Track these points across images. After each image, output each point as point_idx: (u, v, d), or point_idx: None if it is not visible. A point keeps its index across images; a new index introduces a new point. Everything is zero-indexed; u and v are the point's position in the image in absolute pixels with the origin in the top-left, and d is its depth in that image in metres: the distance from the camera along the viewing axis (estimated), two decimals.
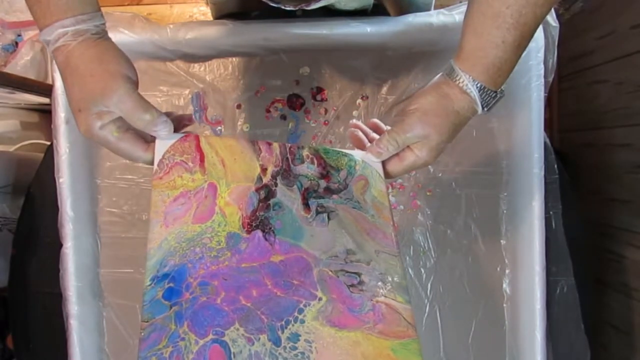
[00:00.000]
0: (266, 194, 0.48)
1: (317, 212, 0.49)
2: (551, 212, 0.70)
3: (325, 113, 0.72)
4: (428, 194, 0.71)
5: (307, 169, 0.50)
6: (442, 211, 0.71)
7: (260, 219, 0.47)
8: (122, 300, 0.71)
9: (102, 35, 0.44)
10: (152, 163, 0.46)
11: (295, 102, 0.71)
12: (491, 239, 0.71)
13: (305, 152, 0.51)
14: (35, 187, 0.76)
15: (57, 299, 0.69)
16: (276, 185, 0.49)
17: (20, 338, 0.76)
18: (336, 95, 0.71)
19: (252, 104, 0.71)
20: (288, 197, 0.49)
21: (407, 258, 0.71)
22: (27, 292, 0.75)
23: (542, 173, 0.68)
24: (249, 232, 0.47)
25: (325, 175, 0.51)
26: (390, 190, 0.71)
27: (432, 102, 0.48)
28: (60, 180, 0.68)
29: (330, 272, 0.46)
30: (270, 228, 0.47)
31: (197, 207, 0.46)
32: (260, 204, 0.48)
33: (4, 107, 1.19)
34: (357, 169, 0.51)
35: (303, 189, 0.50)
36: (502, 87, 0.48)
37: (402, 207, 0.71)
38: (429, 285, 0.71)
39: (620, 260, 0.85)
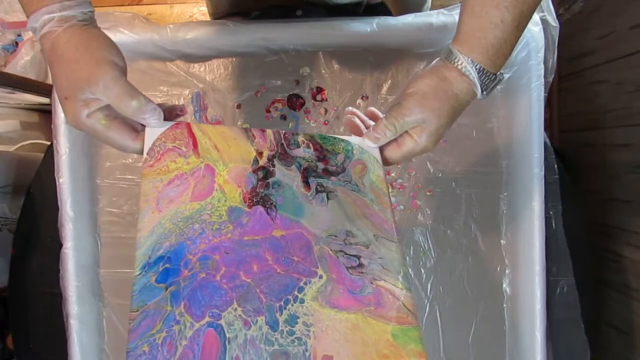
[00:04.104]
0: (264, 174, 0.48)
1: (317, 191, 0.48)
2: (551, 212, 0.70)
3: (325, 113, 0.71)
4: (428, 194, 0.71)
5: (304, 152, 0.50)
6: (442, 211, 0.71)
7: (261, 195, 0.46)
8: (122, 300, 0.71)
9: (89, 22, 0.44)
10: (142, 152, 0.45)
11: (295, 102, 0.71)
12: (491, 239, 0.71)
13: (300, 138, 0.50)
14: (35, 187, 0.75)
15: (57, 299, 0.69)
16: (274, 166, 0.48)
17: (20, 338, 0.76)
18: (336, 95, 0.71)
19: (252, 104, 0.71)
20: (287, 175, 0.48)
21: (407, 258, 0.71)
22: (27, 292, 0.75)
23: (542, 173, 0.68)
24: (250, 206, 0.46)
25: (322, 159, 0.50)
26: (390, 190, 0.71)
27: (430, 85, 0.47)
28: (60, 180, 0.68)
29: (330, 251, 0.45)
30: (271, 203, 0.46)
31: (195, 186, 0.45)
32: (260, 183, 0.47)
33: (4, 107, 1.19)
34: (355, 153, 0.50)
35: (302, 168, 0.49)
36: (501, 70, 0.47)
37: (402, 207, 0.71)
38: (429, 285, 0.71)
39: (620, 260, 0.85)
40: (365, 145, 0.50)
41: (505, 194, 0.71)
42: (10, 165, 0.97)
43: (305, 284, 0.43)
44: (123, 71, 0.43)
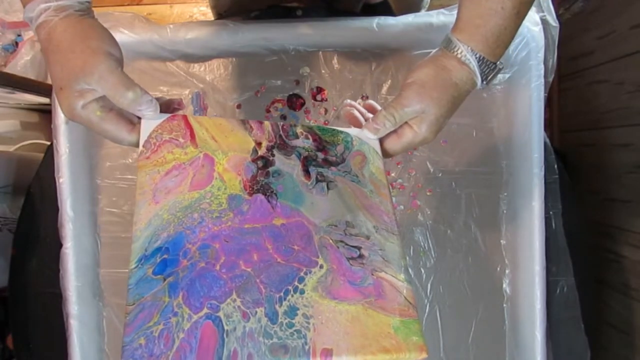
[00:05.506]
0: (264, 163, 0.47)
1: (317, 180, 0.47)
2: (551, 212, 0.70)
3: (325, 113, 0.71)
4: (428, 194, 0.71)
5: (303, 143, 0.49)
6: (442, 211, 0.71)
7: (261, 183, 0.46)
8: (122, 300, 0.71)
9: (86, 12, 0.43)
10: (137, 145, 0.44)
11: (295, 102, 0.71)
12: (491, 239, 0.71)
13: (299, 130, 0.50)
14: (35, 187, 0.75)
15: (57, 299, 0.69)
16: (273, 155, 0.48)
17: (20, 338, 0.76)
18: (336, 95, 0.71)
19: (252, 104, 0.71)
20: (287, 164, 0.48)
21: (407, 258, 0.71)
22: (27, 292, 0.75)
23: (542, 173, 0.68)
24: (250, 194, 0.45)
25: (322, 149, 0.49)
26: (390, 190, 0.71)
27: (429, 74, 0.46)
28: (60, 180, 0.68)
29: (330, 240, 0.44)
30: (272, 191, 0.46)
31: (194, 175, 0.44)
32: (260, 171, 0.47)
33: (4, 107, 1.19)
34: (354, 144, 0.50)
35: (302, 157, 0.48)
36: (500, 60, 0.47)
37: (402, 207, 0.71)
38: (429, 285, 0.71)
39: (620, 260, 0.85)
40: (365, 136, 0.50)
41: (505, 194, 0.71)
42: (10, 165, 0.97)
43: (306, 274, 0.42)
44: (119, 62, 0.43)
